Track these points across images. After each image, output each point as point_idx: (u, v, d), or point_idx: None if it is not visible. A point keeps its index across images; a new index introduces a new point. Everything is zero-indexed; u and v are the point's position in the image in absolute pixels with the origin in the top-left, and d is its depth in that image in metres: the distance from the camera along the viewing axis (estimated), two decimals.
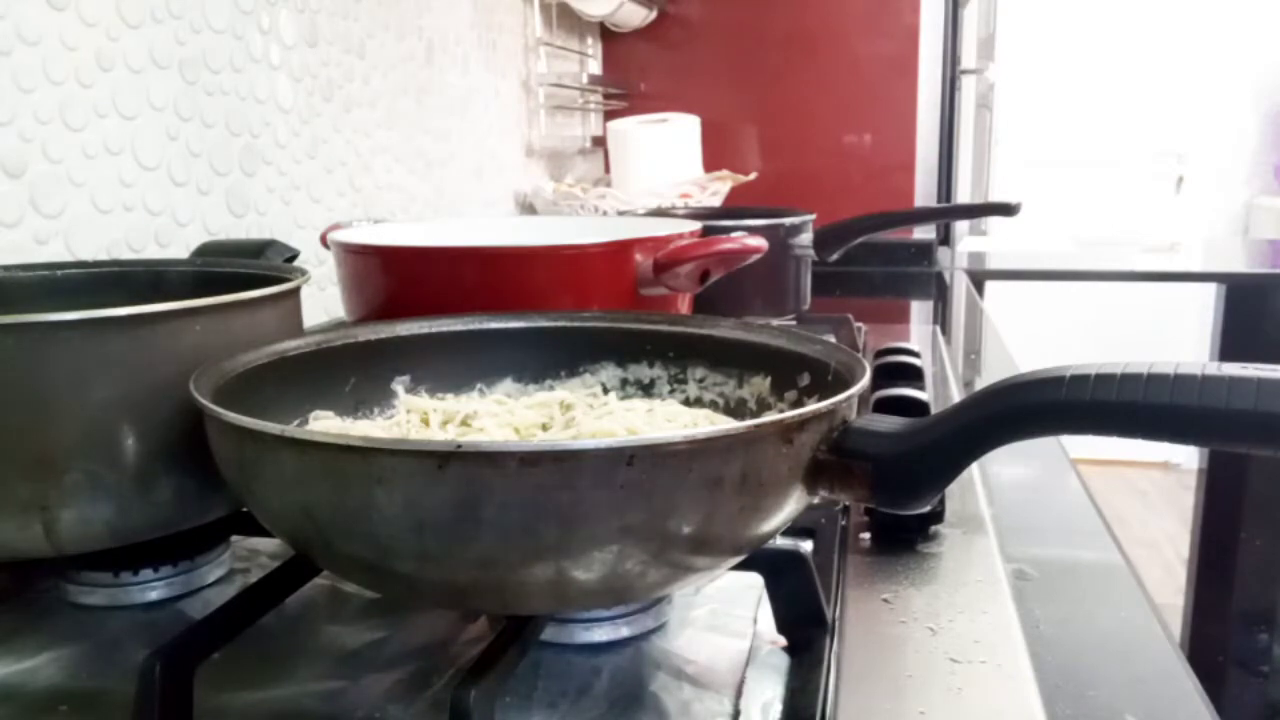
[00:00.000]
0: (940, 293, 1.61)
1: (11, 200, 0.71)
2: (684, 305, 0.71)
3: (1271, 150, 3.64)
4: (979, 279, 2.10)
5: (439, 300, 0.60)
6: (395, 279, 0.66)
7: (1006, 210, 1.21)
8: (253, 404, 0.41)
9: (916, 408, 0.60)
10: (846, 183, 1.78)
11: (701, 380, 0.55)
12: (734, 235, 0.68)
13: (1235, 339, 1.81)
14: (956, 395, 0.92)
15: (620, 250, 0.64)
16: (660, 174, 1.62)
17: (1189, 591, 1.90)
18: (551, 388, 0.57)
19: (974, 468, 0.61)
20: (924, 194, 1.86)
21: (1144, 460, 3.67)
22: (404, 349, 0.55)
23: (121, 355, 0.43)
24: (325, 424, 0.51)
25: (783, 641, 0.45)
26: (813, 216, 1.04)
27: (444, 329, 0.56)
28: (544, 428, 0.52)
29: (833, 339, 0.50)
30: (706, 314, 0.60)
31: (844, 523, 0.56)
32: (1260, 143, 3.65)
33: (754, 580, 0.47)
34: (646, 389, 0.56)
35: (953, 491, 0.59)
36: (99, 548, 0.45)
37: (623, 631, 0.44)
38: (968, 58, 1.94)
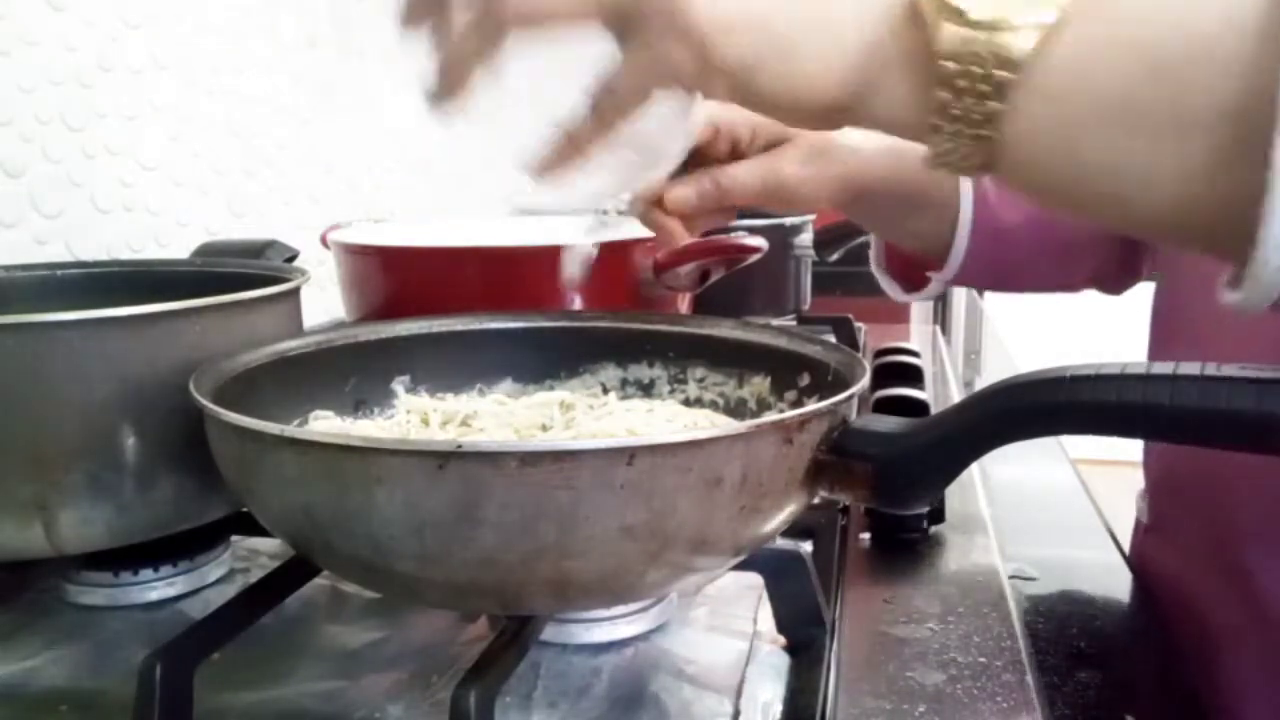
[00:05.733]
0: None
1: (11, 200, 0.71)
2: (684, 305, 0.71)
3: None
4: None
5: (439, 300, 0.60)
6: (395, 279, 0.66)
7: None
8: (253, 404, 0.41)
9: (916, 408, 0.60)
10: None
11: (701, 380, 0.55)
12: (734, 235, 0.68)
13: None
14: (956, 395, 0.92)
15: (620, 250, 0.64)
16: None
17: None
18: (551, 388, 0.57)
19: (974, 468, 0.61)
20: None
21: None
22: (404, 349, 0.55)
23: (121, 355, 0.43)
24: (325, 424, 0.51)
25: (783, 641, 0.45)
26: (813, 216, 1.04)
27: (444, 329, 0.56)
28: (544, 428, 0.52)
29: (833, 339, 0.50)
30: (706, 314, 0.60)
31: (844, 523, 0.56)
32: None
33: (754, 580, 0.47)
34: (646, 389, 0.56)
35: (953, 491, 0.59)
36: (99, 548, 0.45)
37: (623, 631, 0.44)
38: None
